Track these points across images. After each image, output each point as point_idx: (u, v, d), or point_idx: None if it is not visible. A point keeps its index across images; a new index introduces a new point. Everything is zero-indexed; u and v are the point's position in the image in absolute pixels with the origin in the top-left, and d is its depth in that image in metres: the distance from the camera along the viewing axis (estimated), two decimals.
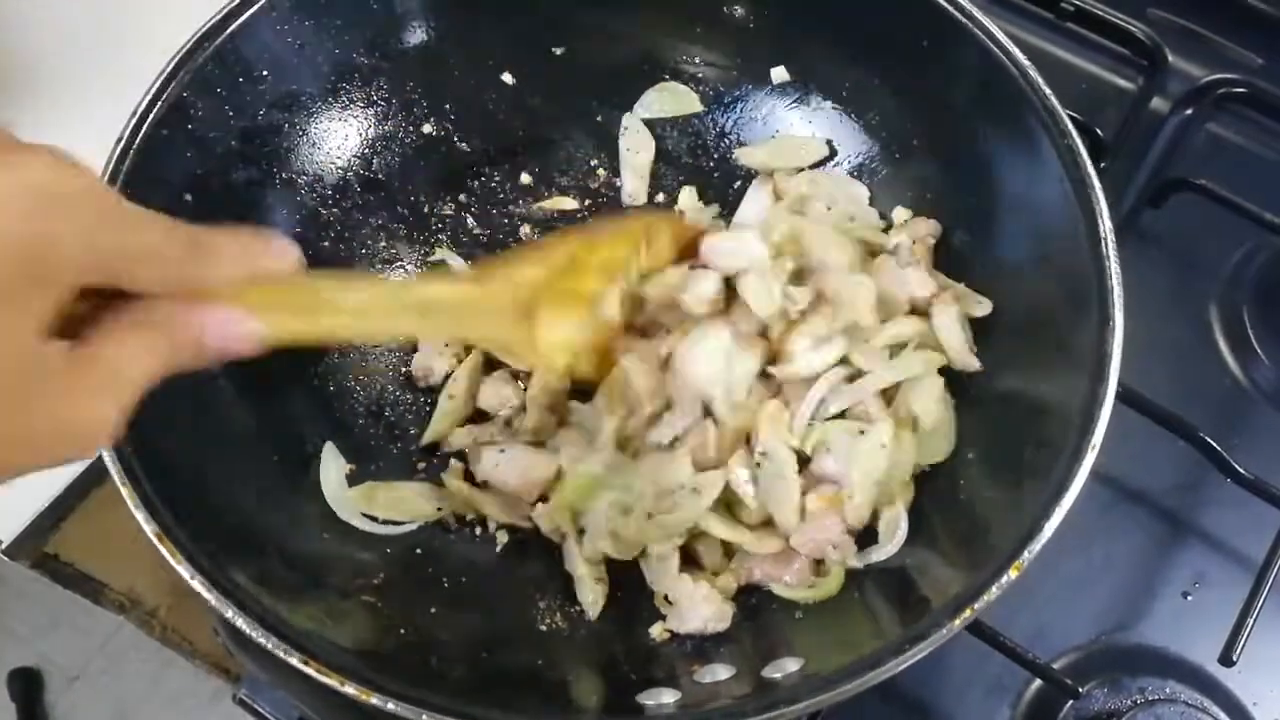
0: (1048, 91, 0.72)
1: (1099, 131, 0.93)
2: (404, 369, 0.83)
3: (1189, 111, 1.00)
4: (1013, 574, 0.60)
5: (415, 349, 0.83)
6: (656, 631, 0.71)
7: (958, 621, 0.59)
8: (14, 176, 0.35)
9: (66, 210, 0.36)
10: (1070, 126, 0.71)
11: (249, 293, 0.47)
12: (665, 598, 0.72)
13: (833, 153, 0.87)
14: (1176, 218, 0.94)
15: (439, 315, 0.59)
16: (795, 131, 0.89)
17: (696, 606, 0.70)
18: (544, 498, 0.77)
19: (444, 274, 0.84)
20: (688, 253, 0.77)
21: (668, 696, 0.63)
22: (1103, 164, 0.92)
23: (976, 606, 0.59)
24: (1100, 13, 1.02)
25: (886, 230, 0.83)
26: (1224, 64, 1.01)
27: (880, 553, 0.71)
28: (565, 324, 0.68)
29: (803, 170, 0.86)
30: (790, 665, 0.63)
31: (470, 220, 0.88)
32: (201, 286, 0.44)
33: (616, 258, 0.72)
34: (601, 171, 0.90)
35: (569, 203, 0.90)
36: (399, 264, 0.86)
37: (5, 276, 0.34)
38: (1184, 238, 0.94)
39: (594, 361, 0.74)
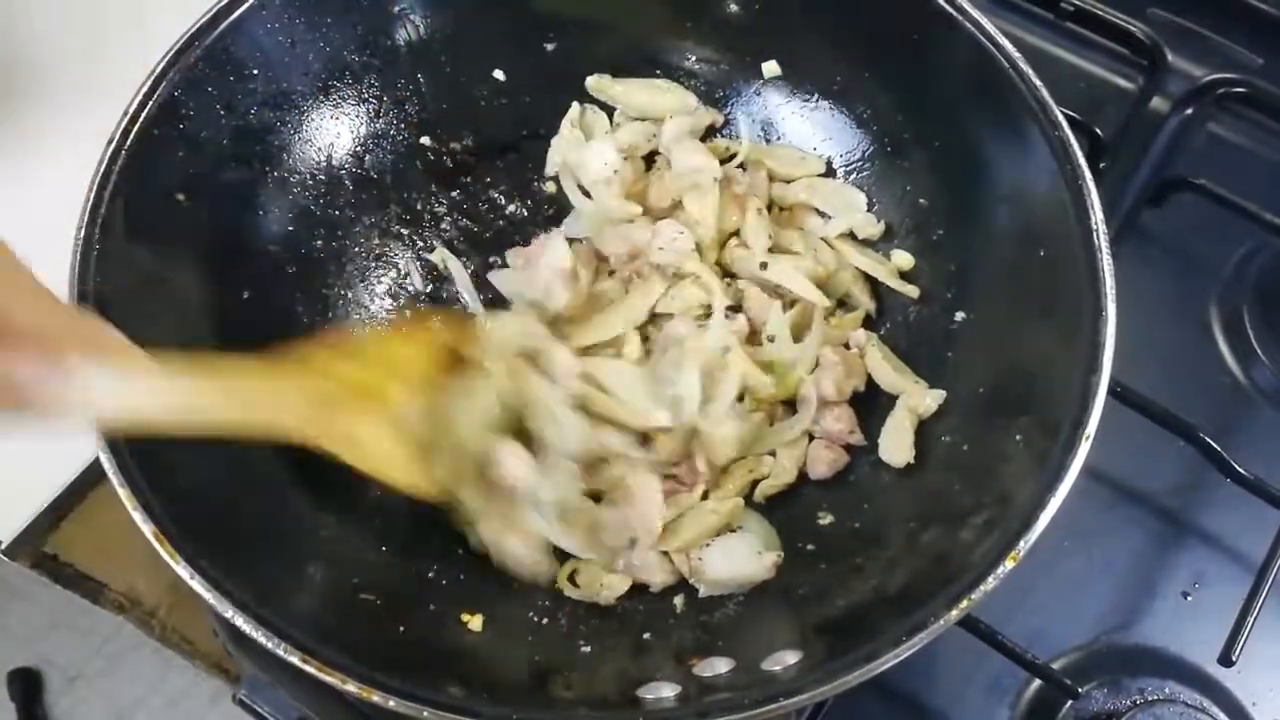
0: (1038, 83, 0.72)
1: (1099, 131, 0.93)
2: None
3: (1189, 111, 1.00)
4: (1009, 564, 0.60)
5: None
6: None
7: (954, 613, 0.59)
8: None
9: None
10: (1060, 117, 0.71)
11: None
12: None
13: (830, 171, 0.88)
14: (1176, 218, 0.94)
15: (237, 397, 0.59)
16: (787, 126, 0.89)
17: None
18: None
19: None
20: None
21: (667, 690, 0.62)
22: (1102, 164, 0.92)
23: (973, 597, 0.59)
24: (1100, 12, 1.02)
25: (886, 233, 0.84)
26: (1224, 64, 1.01)
27: None
28: (370, 423, 0.64)
29: (799, 179, 0.87)
30: (789, 658, 0.63)
31: (464, 218, 0.88)
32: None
33: (409, 359, 0.69)
34: None
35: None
36: (393, 262, 0.86)
37: None
38: (1184, 238, 0.94)
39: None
